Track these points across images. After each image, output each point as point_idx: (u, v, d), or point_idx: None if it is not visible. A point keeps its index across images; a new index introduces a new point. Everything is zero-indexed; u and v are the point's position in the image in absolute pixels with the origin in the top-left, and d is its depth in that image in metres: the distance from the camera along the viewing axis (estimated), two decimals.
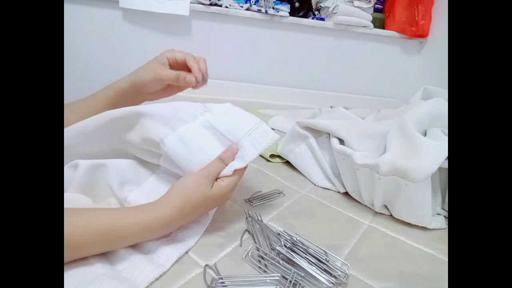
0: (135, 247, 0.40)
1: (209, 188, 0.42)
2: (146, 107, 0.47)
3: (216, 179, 0.44)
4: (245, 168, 0.46)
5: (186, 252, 0.41)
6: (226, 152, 0.45)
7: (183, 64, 0.55)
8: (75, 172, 0.44)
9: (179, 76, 0.51)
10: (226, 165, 0.45)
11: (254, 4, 1.22)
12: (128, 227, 0.38)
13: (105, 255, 0.38)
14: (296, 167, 0.69)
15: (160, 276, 0.36)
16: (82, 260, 0.36)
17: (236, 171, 0.45)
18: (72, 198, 0.42)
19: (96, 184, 0.45)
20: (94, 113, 0.49)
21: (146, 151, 0.49)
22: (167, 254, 0.39)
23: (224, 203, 0.47)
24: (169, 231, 0.42)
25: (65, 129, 0.45)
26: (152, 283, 0.35)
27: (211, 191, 0.42)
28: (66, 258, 0.35)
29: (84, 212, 0.38)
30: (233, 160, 0.46)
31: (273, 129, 0.97)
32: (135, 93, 0.55)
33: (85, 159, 0.45)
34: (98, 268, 0.35)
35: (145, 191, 0.48)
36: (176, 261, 0.39)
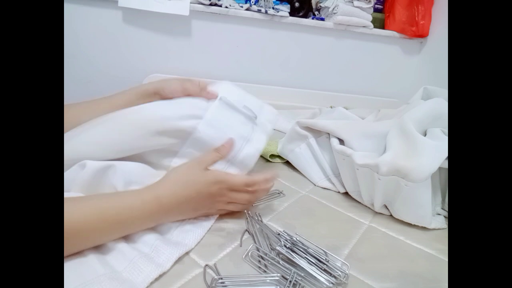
0: (132, 241, 0.40)
1: (201, 171, 0.46)
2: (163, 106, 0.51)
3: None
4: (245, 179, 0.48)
5: (186, 253, 0.41)
6: (224, 146, 0.49)
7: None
8: (81, 172, 0.44)
9: (202, 88, 0.54)
10: (222, 157, 0.49)
11: (254, 4, 1.21)
12: (124, 199, 0.40)
13: (104, 254, 0.38)
14: (296, 167, 0.69)
15: (160, 276, 0.36)
16: (81, 259, 0.36)
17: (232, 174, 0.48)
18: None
19: (101, 184, 0.45)
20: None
21: (157, 152, 0.52)
22: (167, 254, 0.39)
23: (215, 204, 0.47)
24: (163, 210, 0.42)
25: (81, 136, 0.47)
26: (152, 283, 0.35)
27: (202, 173, 0.46)
28: (68, 245, 0.35)
29: (81, 198, 0.40)
30: (229, 155, 0.50)
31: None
32: (159, 98, 0.56)
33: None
34: (97, 269, 0.35)
35: None
36: (176, 261, 0.39)
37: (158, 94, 0.55)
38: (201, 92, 0.53)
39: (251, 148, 0.52)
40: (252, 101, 0.56)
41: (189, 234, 0.43)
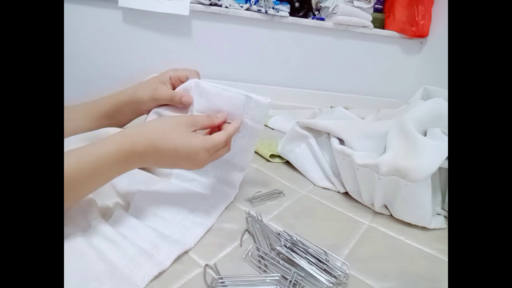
0: (132, 236, 0.40)
1: (187, 131, 0.43)
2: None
3: None
4: (229, 137, 0.46)
5: (186, 252, 0.41)
6: (217, 115, 0.47)
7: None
8: None
9: (174, 96, 0.52)
10: (212, 125, 0.47)
11: (254, 4, 1.21)
12: (101, 148, 0.38)
13: (104, 249, 0.38)
14: (296, 167, 0.69)
15: (160, 274, 0.36)
16: (82, 255, 0.36)
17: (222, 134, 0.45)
18: None
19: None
20: (91, 121, 0.52)
21: None
22: (166, 251, 0.39)
23: (198, 167, 0.45)
24: (137, 156, 0.41)
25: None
26: (151, 282, 0.35)
27: (187, 134, 0.43)
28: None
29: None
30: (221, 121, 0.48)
31: (272, 129, 0.97)
32: (132, 108, 0.56)
33: None
34: (98, 265, 0.35)
35: (153, 193, 0.48)
36: (176, 261, 0.39)
37: (131, 103, 0.55)
38: (174, 98, 0.51)
39: (254, 110, 0.48)
40: (234, 96, 0.49)
41: (190, 232, 0.43)
